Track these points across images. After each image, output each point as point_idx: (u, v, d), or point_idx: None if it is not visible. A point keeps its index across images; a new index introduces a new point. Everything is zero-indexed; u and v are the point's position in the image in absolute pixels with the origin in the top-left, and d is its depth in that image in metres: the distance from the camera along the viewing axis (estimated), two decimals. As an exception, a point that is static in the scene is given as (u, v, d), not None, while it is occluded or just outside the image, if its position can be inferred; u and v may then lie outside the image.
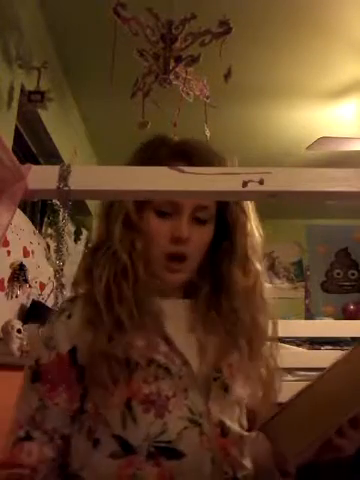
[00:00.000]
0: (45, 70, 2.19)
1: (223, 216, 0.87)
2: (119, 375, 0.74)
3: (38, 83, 2.14)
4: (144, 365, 0.75)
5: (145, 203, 0.85)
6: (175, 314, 0.83)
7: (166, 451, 0.72)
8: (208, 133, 1.64)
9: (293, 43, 2.57)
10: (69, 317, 0.81)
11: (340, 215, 4.33)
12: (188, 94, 1.63)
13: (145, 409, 0.73)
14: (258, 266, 0.86)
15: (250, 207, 0.88)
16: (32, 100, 2.11)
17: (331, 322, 3.28)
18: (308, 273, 4.67)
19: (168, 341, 0.78)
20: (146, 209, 0.84)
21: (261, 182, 0.53)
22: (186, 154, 0.85)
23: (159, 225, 0.83)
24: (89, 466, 0.74)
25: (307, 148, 2.95)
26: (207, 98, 1.72)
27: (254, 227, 0.88)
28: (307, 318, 4.00)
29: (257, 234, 0.88)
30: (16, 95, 2.07)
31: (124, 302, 0.77)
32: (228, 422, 0.77)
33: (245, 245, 0.86)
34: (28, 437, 0.75)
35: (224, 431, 0.76)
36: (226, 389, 0.79)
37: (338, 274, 4.86)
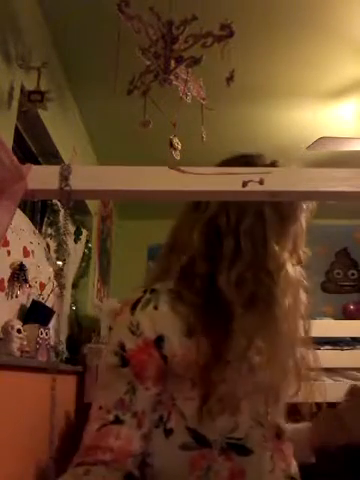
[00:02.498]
0: (45, 70, 2.19)
1: None
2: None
3: (38, 83, 2.13)
4: (222, 366, 0.77)
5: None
6: None
7: (236, 447, 0.77)
8: (205, 135, 1.64)
9: (293, 43, 2.57)
10: (156, 308, 0.81)
11: (340, 215, 4.33)
12: (186, 95, 1.63)
13: (221, 407, 0.76)
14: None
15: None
16: (32, 100, 2.11)
17: (331, 322, 3.29)
18: (308, 273, 4.66)
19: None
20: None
21: (261, 182, 0.53)
22: None
23: None
24: (159, 454, 0.77)
25: (307, 148, 2.95)
26: (203, 100, 1.72)
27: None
28: (307, 318, 4.00)
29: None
30: (16, 95, 2.06)
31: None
32: (282, 424, 0.85)
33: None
34: (117, 421, 0.75)
35: (278, 432, 0.83)
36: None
37: (338, 274, 4.86)
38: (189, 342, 0.78)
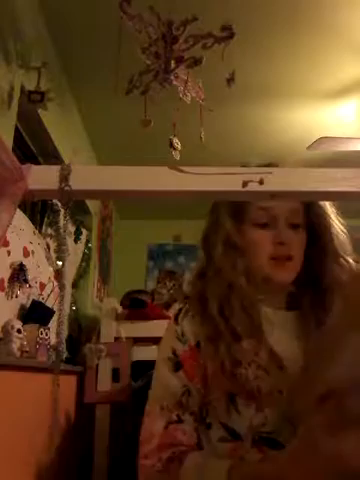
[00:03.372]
0: (45, 70, 2.19)
1: (310, 222, 0.96)
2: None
3: (38, 83, 2.13)
4: (246, 365, 0.83)
5: (242, 222, 0.95)
6: (278, 321, 0.91)
7: (268, 441, 0.80)
8: (203, 135, 1.64)
9: (293, 43, 2.57)
10: (193, 317, 0.92)
11: (340, 215, 4.33)
12: (186, 96, 1.63)
13: (247, 403, 0.82)
14: (351, 260, 0.94)
15: (328, 207, 0.98)
16: (32, 100, 2.11)
17: (331, 322, 3.29)
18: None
19: (268, 346, 0.86)
20: (244, 226, 0.95)
21: (261, 182, 0.53)
22: None
23: (261, 234, 0.93)
24: (206, 446, 0.85)
25: (307, 148, 2.95)
26: (202, 100, 1.72)
27: (338, 225, 0.98)
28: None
29: (341, 231, 0.98)
30: (16, 95, 2.06)
31: (235, 315, 0.87)
32: None
33: (334, 242, 0.94)
34: (180, 420, 0.85)
35: None
36: None
37: (338, 274, 4.86)
38: (211, 346, 0.87)
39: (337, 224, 0.98)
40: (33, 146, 2.69)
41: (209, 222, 0.99)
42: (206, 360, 0.86)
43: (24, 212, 2.51)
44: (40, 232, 2.73)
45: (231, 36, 1.47)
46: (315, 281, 0.93)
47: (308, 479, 0.53)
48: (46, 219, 2.85)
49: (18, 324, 1.99)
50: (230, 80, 1.53)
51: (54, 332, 2.39)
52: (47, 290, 2.61)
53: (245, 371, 0.83)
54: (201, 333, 0.89)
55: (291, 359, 0.84)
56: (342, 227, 0.98)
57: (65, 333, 3.12)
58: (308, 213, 0.96)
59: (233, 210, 0.95)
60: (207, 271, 0.94)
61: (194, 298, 0.95)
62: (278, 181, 0.54)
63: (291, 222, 0.94)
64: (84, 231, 3.46)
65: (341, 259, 0.93)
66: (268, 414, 0.81)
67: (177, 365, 0.89)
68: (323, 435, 0.50)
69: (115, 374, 2.88)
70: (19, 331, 1.95)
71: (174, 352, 0.90)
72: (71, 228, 3.26)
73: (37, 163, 2.66)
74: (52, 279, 2.69)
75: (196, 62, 1.53)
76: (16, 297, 2.21)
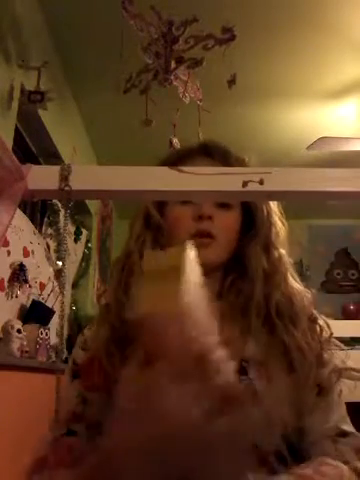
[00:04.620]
0: (45, 70, 2.19)
1: (248, 205, 0.87)
2: None
3: (38, 83, 2.14)
4: None
5: (165, 202, 0.86)
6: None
7: None
8: (201, 136, 1.64)
9: (293, 43, 2.57)
10: (96, 322, 0.86)
11: (340, 215, 4.33)
12: (185, 96, 1.63)
13: None
14: (282, 251, 0.86)
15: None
16: (32, 100, 2.11)
17: (331, 322, 3.29)
18: (308, 273, 4.67)
19: None
20: (166, 205, 0.86)
21: (261, 182, 0.53)
22: (208, 150, 0.88)
23: (182, 210, 0.84)
24: None
25: (307, 148, 2.95)
26: (200, 101, 1.72)
27: (276, 216, 0.89)
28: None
29: (280, 222, 0.89)
30: (16, 95, 2.06)
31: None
32: (255, 438, 0.70)
33: (269, 231, 0.86)
34: (70, 432, 0.78)
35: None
36: (253, 394, 0.72)
37: (338, 274, 4.86)
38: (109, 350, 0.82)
39: (278, 216, 0.89)
40: (33, 146, 2.69)
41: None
42: (107, 367, 0.78)
43: (24, 212, 2.51)
44: (40, 232, 2.73)
45: (232, 38, 1.47)
46: (242, 267, 0.85)
47: None
48: (46, 219, 2.86)
49: (18, 324, 1.99)
50: (231, 82, 1.53)
51: (54, 332, 2.40)
52: (47, 290, 2.61)
53: None
54: (102, 337, 0.81)
55: None
56: (282, 219, 0.90)
57: (65, 333, 3.12)
58: (247, 202, 0.87)
59: None
60: (122, 260, 0.86)
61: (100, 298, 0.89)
62: (278, 181, 0.54)
63: (219, 201, 0.85)
64: (84, 231, 3.46)
65: (273, 249, 0.85)
66: None
67: (75, 374, 0.84)
68: None
69: (115, 374, 2.87)
70: (19, 331, 1.95)
71: (74, 361, 0.86)
72: (71, 228, 3.26)
73: (37, 163, 2.66)
74: (52, 279, 2.69)
75: (197, 63, 1.53)
76: (16, 297, 2.21)
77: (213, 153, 0.88)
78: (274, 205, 0.89)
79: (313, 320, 0.83)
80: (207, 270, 0.80)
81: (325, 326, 0.83)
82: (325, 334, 0.82)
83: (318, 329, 0.82)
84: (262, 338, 0.78)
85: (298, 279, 0.88)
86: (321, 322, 0.84)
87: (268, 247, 0.85)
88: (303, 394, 0.74)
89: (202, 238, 0.82)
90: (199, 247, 0.75)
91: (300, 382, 0.74)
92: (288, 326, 0.78)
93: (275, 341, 0.78)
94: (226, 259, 0.86)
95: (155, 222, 0.85)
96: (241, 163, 0.88)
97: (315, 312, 0.86)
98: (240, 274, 0.85)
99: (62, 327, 0.60)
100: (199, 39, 1.46)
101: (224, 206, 0.85)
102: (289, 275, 0.85)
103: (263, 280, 0.81)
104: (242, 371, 0.74)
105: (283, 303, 0.81)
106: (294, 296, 0.82)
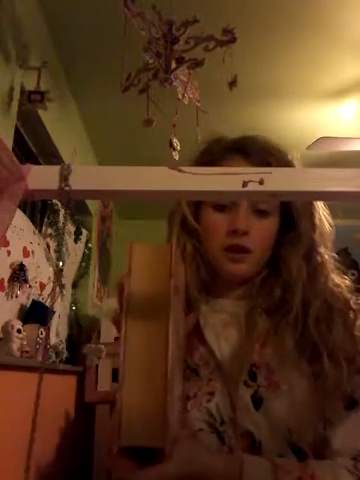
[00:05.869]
0: (45, 70, 2.19)
1: (288, 208, 0.81)
2: None
3: (38, 83, 2.13)
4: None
5: (201, 201, 0.82)
6: (227, 315, 0.78)
7: None
8: (199, 136, 1.64)
9: (293, 43, 2.57)
10: None
11: (340, 215, 4.33)
12: (184, 96, 1.63)
13: None
14: (325, 256, 0.80)
15: None
16: (32, 100, 2.11)
17: (331, 322, 3.29)
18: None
19: (204, 343, 0.76)
20: (203, 207, 0.82)
21: (261, 182, 0.53)
22: (243, 148, 0.83)
23: (216, 219, 0.79)
24: None
25: (307, 148, 2.95)
26: (198, 102, 1.72)
27: (322, 216, 0.83)
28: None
29: (327, 223, 0.83)
30: (16, 95, 2.06)
31: None
32: (259, 436, 0.70)
33: (311, 234, 0.80)
34: None
35: (255, 445, 0.70)
36: (259, 401, 0.71)
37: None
38: None
39: (323, 214, 0.83)
40: (33, 146, 2.69)
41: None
42: None
43: (24, 212, 2.51)
44: (40, 232, 2.73)
45: (233, 40, 1.47)
46: (276, 268, 0.80)
47: None
48: (46, 219, 2.85)
49: (18, 324, 1.99)
50: (232, 84, 1.53)
51: (54, 332, 2.40)
52: (47, 290, 2.61)
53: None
54: None
55: (230, 357, 0.74)
56: (328, 220, 0.84)
57: (64, 333, 3.12)
58: (288, 202, 0.81)
59: None
60: None
61: None
62: (278, 181, 0.53)
63: (257, 207, 0.79)
64: (84, 231, 3.46)
65: (315, 254, 0.79)
66: (187, 418, 0.72)
67: None
68: None
69: (115, 374, 2.87)
70: (19, 331, 1.95)
71: None
72: (71, 228, 3.26)
73: (37, 163, 2.66)
74: (52, 279, 2.69)
75: (198, 64, 1.53)
76: (16, 297, 2.21)
77: (249, 152, 0.82)
78: (318, 204, 0.83)
79: (352, 315, 0.77)
80: (240, 281, 0.80)
81: None
82: None
83: (357, 328, 0.76)
84: (287, 343, 0.73)
85: (341, 274, 0.82)
86: None
87: (310, 253, 0.80)
88: (329, 403, 0.70)
89: (236, 253, 0.77)
90: (233, 262, 0.77)
91: (327, 390, 0.70)
92: (323, 333, 0.73)
93: (305, 346, 0.73)
94: (261, 268, 0.81)
95: (191, 228, 0.81)
96: (283, 162, 0.83)
97: (355, 303, 0.79)
98: (272, 274, 0.80)
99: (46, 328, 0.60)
100: (199, 40, 1.46)
101: (261, 213, 0.79)
102: (331, 278, 0.80)
103: (302, 290, 0.76)
104: (252, 376, 0.72)
105: (322, 310, 0.75)
106: (333, 299, 0.77)
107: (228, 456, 0.69)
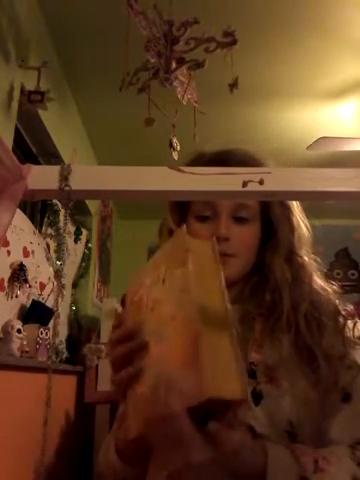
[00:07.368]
0: (45, 70, 2.18)
1: (268, 214, 0.86)
2: None
3: (38, 83, 2.13)
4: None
5: (186, 213, 0.87)
6: None
7: None
8: (197, 137, 1.64)
9: (293, 43, 2.57)
10: None
11: (340, 215, 4.33)
12: (183, 97, 1.63)
13: None
14: (305, 258, 0.86)
15: (294, 202, 0.88)
16: (32, 100, 2.11)
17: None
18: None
19: None
20: (187, 218, 0.87)
21: (261, 182, 0.53)
22: (222, 162, 0.85)
23: (198, 229, 0.84)
24: None
25: (307, 148, 2.95)
26: (196, 102, 1.72)
27: (300, 220, 0.88)
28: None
29: (304, 227, 0.88)
30: (16, 95, 2.06)
31: None
32: (259, 430, 0.72)
33: (290, 239, 0.86)
34: None
35: (255, 438, 0.71)
36: (259, 396, 0.73)
37: (338, 274, 4.86)
38: None
39: (300, 217, 0.88)
40: (33, 146, 2.69)
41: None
42: None
43: (24, 212, 2.51)
44: (40, 232, 2.73)
45: (234, 42, 1.47)
46: (263, 274, 0.84)
47: None
48: (46, 219, 2.86)
49: (18, 324, 1.99)
50: (233, 86, 1.52)
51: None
52: (47, 290, 2.61)
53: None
54: None
55: None
56: (306, 223, 0.89)
57: (64, 333, 3.12)
58: (267, 208, 0.86)
59: (178, 202, 0.87)
60: None
61: None
62: (278, 181, 0.54)
63: (236, 215, 0.84)
64: (84, 231, 3.46)
65: (296, 257, 0.85)
66: None
67: None
68: None
69: (115, 374, 2.87)
70: (19, 331, 1.95)
71: None
72: (71, 228, 3.26)
73: (37, 163, 2.66)
74: (52, 279, 2.69)
75: (198, 65, 1.53)
76: (16, 297, 2.21)
77: (228, 166, 0.86)
78: (294, 206, 0.88)
79: (341, 319, 0.82)
80: (229, 283, 0.81)
81: (352, 326, 0.82)
82: (356, 333, 0.81)
83: (346, 330, 0.81)
84: (284, 343, 0.77)
85: (326, 278, 0.87)
86: (349, 322, 0.82)
87: (291, 256, 0.85)
88: (326, 399, 0.74)
89: (222, 258, 0.78)
90: None
91: (324, 387, 0.73)
92: (315, 336, 0.77)
93: (301, 349, 0.77)
94: (248, 271, 0.86)
95: None
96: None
97: (342, 309, 0.84)
98: (261, 280, 0.85)
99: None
100: (200, 41, 1.46)
101: (242, 220, 0.85)
102: (314, 279, 0.85)
103: (289, 292, 0.81)
104: (251, 374, 0.74)
105: (310, 310, 0.80)
106: (320, 301, 0.82)
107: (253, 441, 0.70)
